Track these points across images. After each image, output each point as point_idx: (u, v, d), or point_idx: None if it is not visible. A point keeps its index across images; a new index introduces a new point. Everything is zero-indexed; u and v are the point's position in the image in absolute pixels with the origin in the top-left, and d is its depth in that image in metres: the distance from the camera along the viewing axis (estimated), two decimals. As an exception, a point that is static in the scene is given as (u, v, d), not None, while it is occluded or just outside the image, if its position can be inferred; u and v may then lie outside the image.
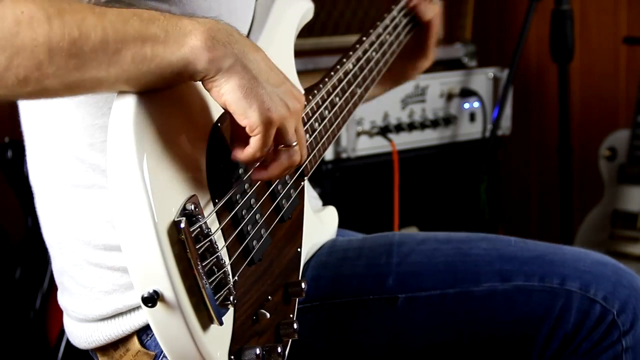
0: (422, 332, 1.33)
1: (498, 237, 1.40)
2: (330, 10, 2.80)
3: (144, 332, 1.24)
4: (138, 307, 1.22)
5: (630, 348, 1.29)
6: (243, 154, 1.08)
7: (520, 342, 1.31)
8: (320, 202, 1.52)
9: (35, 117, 1.27)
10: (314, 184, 2.44)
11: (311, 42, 2.74)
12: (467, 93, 2.80)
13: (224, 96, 1.04)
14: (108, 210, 1.22)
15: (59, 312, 1.35)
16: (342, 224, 1.58)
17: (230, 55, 1.03)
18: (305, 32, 2.72)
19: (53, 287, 2.35)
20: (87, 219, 1.24)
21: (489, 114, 2.85)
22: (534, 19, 2.84)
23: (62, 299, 1.33)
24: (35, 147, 1.28)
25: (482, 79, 2.85)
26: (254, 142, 1.06)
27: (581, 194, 3.20)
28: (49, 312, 2.42)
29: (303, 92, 1.37)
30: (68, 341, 1.56)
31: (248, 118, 1.05)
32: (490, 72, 2.86)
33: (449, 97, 2.79)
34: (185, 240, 1.02)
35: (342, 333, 1.35)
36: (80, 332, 1.28)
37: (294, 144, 1.10)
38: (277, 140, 1.09)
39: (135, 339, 1.24)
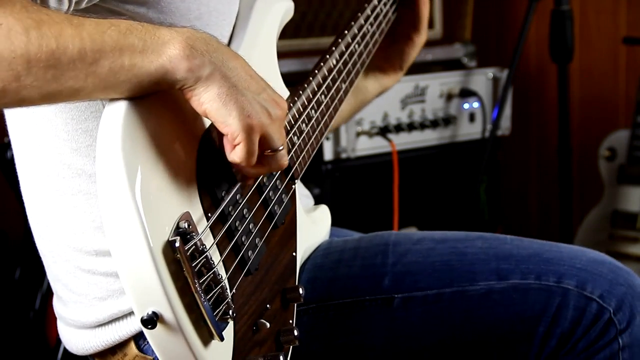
0: (419, 331, 1.33)
1: (494, 235, 1.39)
2: (330, 11, 2.80)
3: (141, 337, 1.24)
4: (133, 312, 1.22)
5: (626, 346, 1.28)
6: (230, 156, 1.08)
7: (518, 341, 1.31)
8: (312, 201, 1.52)
9: (21, 124, 1.27)
10: (313, 184, 2.46)
11: (310, 42, 2.74)
12: (466, 93, 2.80)
13: (203, 105, 1.04)
14: (96, 216, 1.22)
15: (58, 315, 1.36)
16: (341, 224, 1.58)
17: (209, 64, 1.03)
18: (305, 32, 2.74)
19: (52, 287, 2.35)
20: (76, 226, 1.24)
21: (489, 114, 2.85)
22: (533, 19, 2.84)
23: (57, 306, 1.33)
24: (22, 155, 1.28)
25: (482, 79, 2.85)
26: (239, 150, 1.06)
27: (581, 194, 3.20)
28: (49, 312, 2.42)
29: (288, 93, 1.37)
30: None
31: (228, 126, 1.05)
32: (489, 72, 2.86)
33: (449, 97, 2.79)
34: (180, 259, 1.01)
35: (340, 334, 1.35)
36: (77, 339, 1.29)
37: (281, 147, 1.10)
38: (262, 147, 1.09)
39: (132, 344, 1.24)
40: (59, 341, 2.29)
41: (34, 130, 1.25)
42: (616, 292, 1.29)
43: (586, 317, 1.28)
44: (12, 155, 2.35)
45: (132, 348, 1.24)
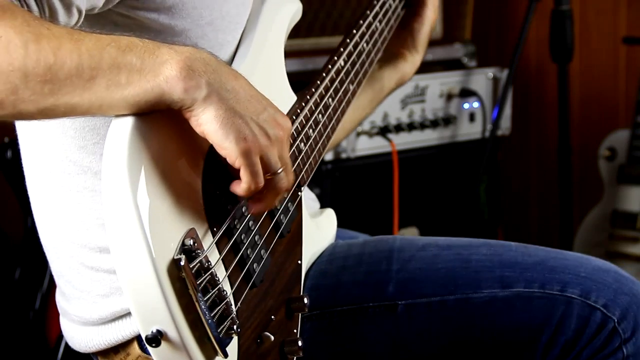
0: (423, 338, 1.33)
1: (499, 242, 1.39)
2: (330, 11, 2.80)
3: None
4: None
5: (631, 356, 1.28)
6: (240, 189, 1.07)
7: (521, 349, 1.31)
8: (317, 204, 1.51)
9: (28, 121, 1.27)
10: (313, 184, 2.45)
11: (311, 42, 2.74)
12: (466, 93, 2.80)
13: (201, 126, 1.04)
14: (101, 213, 1.21)
15: (59, 313, 1.35)
16: (342, 225, 1.57)
17: (206, 86, 1.03)
18: (305, 32, 2.74)
19: (53, 288, 2.35)
20: (81, 222, 1.24)
21: (489, 114, 2.84)
22: (533, 19, 2.84)
23: (61, 302, 1.33)
24: (29, 150, 1.29)
25: (482, 79, 2.85)
26: (242, 175, 1.06)
27: (581, 194, 3.20)
28: (49, 313, 2.42)
29: (294, 98, 1.36)
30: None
31: (225, 149, 1.04)
32: (489, 72, 2.86)
33: (449, 97, 2.78)
34: (185, 278, 1.01)
35: (343, 341, 1.35)
36: (80, 336, 1.29)
37: (280, 170, 1.09)
38: (262, 169, 1.08)
39: (135, 344, 1.24)
40: (59, 341, 2.29)
41: (42, 126, 1.25)
42: (620, 301, 1.29)
43: (590, 326, 1.28)
44: (12, 155, 2.36)
45: (135, 348, 1.25)
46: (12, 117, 1.00)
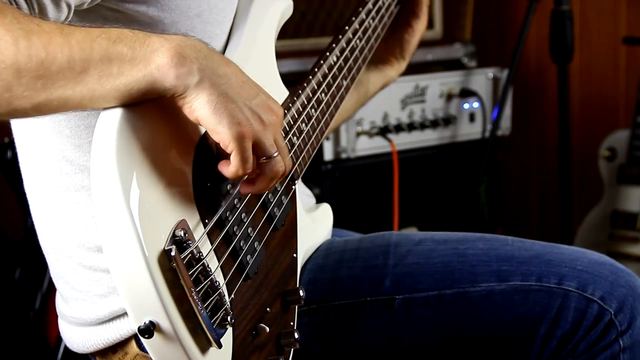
0: (420, 333, 1.33)
1: (495, 236, 1.39)
2: (330, 11, 2.80)
3: None
4: None
5: (627, 348, 1.28)
6: (227, 171, 1.08)
7: (519, 342, 1.31)
8: (313, 200, 1.51)
9: (24, 120, 1.27)
10: (313, 184, 2.45)
11: (311, 42, 2.74)
12: (466, 93, 2.80)
13: (194, 112, 1.04)
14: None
15: (59, 314, 1.35)
16: (341, 225, 1.58)
17: (197, 72, 1.03)
18: (305, 32, 2.74)
19: (53, 288, 2.35)
20: (79, 222, 1.24)
21: (489, 114, 2.85)
22: (533, 19, 2.84)
23: (59, 304, 1.33)
24: (26, 151, 1.29)
25: (482, 79, 2.85)
26: (232, 159, 1.06)
27: (581, 195, 3.20)
28: (49, 313, 2.42)
29: (287, 93, 1.37)
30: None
31: (219, 134, 1.05)
32: (490, 72, 2.86)
33: (449, 97, 2.79)
34: (177, 268, 1.01)
35: (340, 335, 1.35)
36: (78, 337, 1.29)
37: (275, 154, 1.09)
38: (256, 154, 1.08)
39: (133, 343, 1.24)
40: (59, 341, 2.29)
41: (37, 127, 1.25)
42: (617, 293, 1.29)
43: (587, 318, 1.29)
44: (12, 156, 2.37)
45: (133, 347, 1.24)
46: (7, 116, 1.00)
